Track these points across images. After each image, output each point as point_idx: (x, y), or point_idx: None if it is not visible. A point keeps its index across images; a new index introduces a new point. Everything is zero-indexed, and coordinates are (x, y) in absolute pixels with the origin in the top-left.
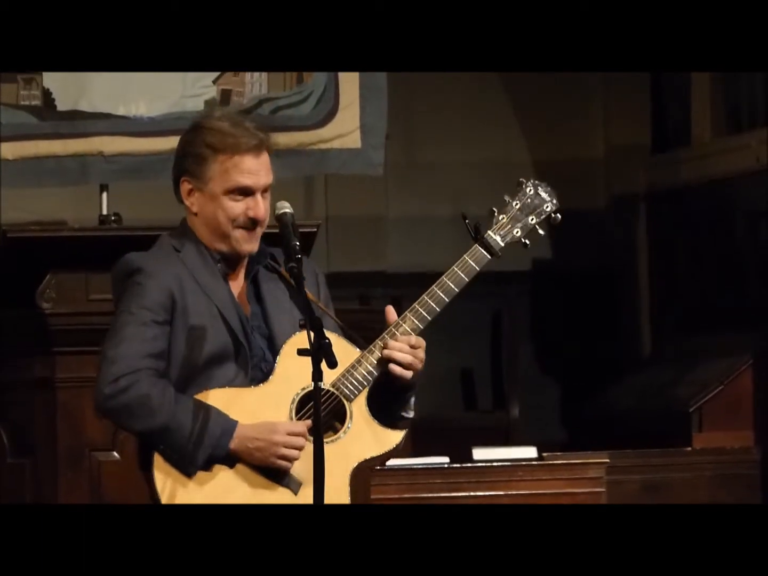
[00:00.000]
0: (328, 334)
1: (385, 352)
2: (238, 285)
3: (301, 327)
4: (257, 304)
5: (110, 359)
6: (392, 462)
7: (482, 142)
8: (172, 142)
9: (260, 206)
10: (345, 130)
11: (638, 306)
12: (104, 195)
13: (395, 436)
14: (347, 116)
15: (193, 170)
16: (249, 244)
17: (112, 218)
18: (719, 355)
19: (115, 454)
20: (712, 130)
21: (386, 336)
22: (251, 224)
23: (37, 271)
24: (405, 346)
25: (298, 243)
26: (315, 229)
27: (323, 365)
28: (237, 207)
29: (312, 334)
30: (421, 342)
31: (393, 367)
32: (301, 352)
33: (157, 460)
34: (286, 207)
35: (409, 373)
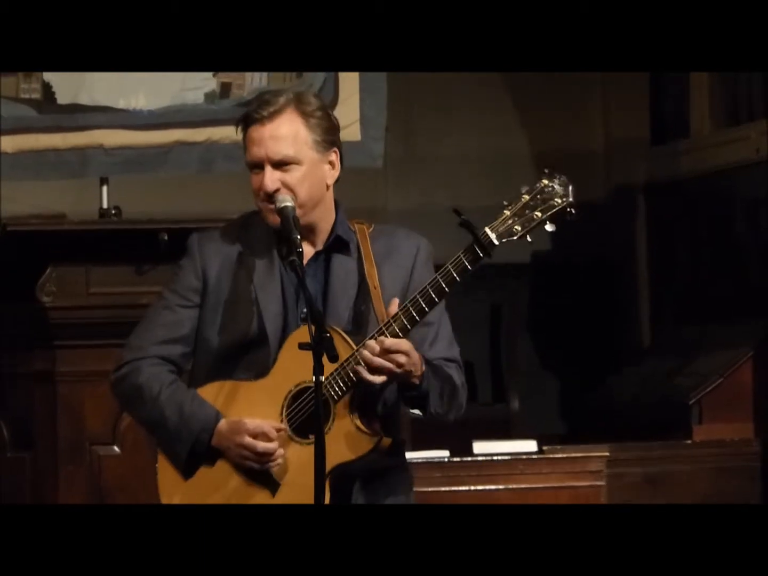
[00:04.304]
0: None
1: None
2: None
3: (302, 321)
4: (324, 284)
5: (127, 344)
6: None
7: (482, 134)
8: (172, 135)
9: (266, 178)
10: (345, 122)
11: (638, 298)
12: (104, 188)
13: (367, 443)
14: (347, 109)
15: None
16: (272, 216)
17: (112, 211)
18: (719, 347)
19: (115, 448)
20: (711, 121)
21: (375, 334)
22: (266, 198)
23: (37, 265)
24: (376, 348)
25: (298, 236)
26: None
27: (324, 359)
28: (254, 181)
29: (313, 328)
30: (401, 345)
31: (363, 372)
32: (302, 347)
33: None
34: (287, 201)
35: (378, 378)
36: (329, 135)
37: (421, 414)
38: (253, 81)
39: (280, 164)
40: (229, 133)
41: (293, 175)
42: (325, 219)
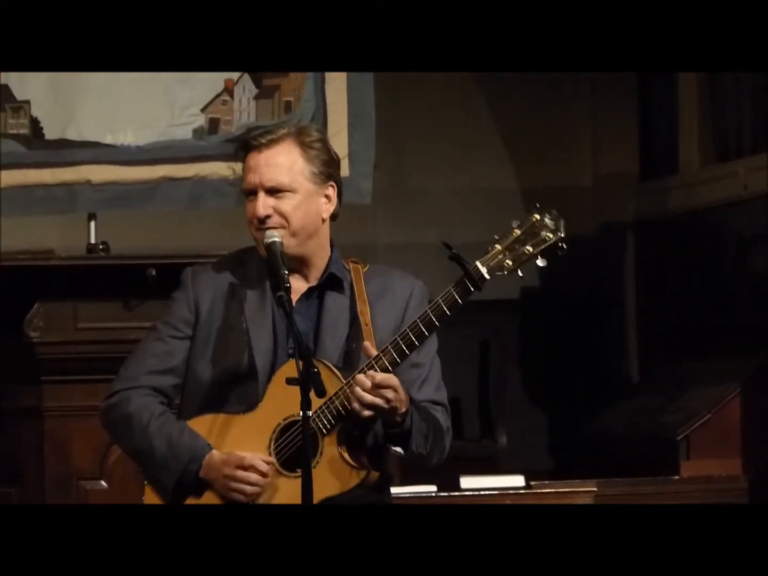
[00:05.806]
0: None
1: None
2: (294, 299)
3: (290, 356)
4: (316, 321)
5: (118, 374)
6: None
7: (470, 170)
8: (159, 171)
9: (258, 204)
10: None
11: (626, 333)
12: (92, 224)
13: (354, 477)
14: (335, 145)
15: None
16: (263, 247)
17: (100, 247)
18: (707, 383)
19: (103, 482)
20: (699, 158)
21: (364, 368)
22: (258, 225)
23: (25, 300)
24: (366, 383)
25: (286, 272)
26: None
27: (312, 394)
28: (249, 208)
29: (301, 363)
30: (390, 381)
31: (353, 403)
32: (290, 381)
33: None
34: (274, 236)
35: (366, 412)
36: (327, 168)
37: (402, 452)
38: (242, 117)
39: (274, 191)
40: (217, 168)
41: (287, 203)
42: (318, 254)
